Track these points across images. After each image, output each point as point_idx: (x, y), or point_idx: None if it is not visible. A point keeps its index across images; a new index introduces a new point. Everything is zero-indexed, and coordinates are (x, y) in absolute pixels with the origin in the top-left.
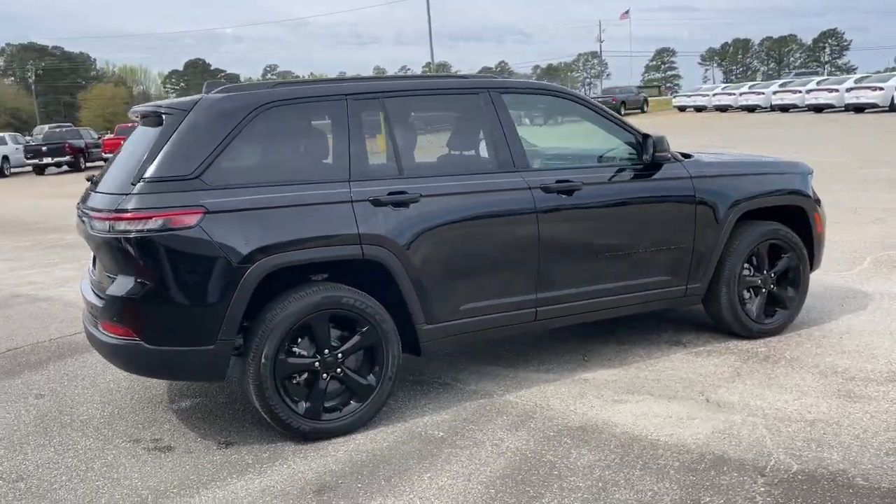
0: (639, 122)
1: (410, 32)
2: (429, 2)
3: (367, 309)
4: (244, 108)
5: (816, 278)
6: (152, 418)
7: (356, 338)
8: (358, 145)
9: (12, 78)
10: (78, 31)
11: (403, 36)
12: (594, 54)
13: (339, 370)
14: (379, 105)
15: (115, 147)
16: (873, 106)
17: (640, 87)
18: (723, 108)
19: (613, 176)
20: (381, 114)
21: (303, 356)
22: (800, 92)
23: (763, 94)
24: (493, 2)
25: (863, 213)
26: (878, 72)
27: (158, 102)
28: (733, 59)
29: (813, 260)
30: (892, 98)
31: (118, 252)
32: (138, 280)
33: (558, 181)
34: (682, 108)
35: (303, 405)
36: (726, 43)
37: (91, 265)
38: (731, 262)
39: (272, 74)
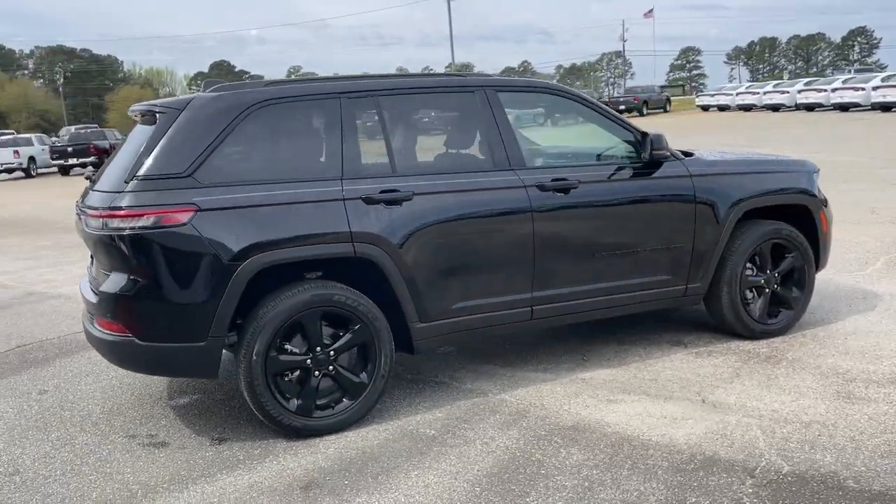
0: (660, 121)
1: (433, 33)
2: (449, 2)
3: (360, 307)
4: (236, 106)
5: (827, 278)
6: (150, 414)
7: (348, 335)
8: (351, 144)
9: (41, 80)
10: (106, 34)
11: (426, 37)
12: (618, 54)
13: (331, 368)
14: (373, 104)
15: None
16: None
17: (663, 86)
18: (747, 108)
19: (611, 174)
20: (376, 112)
21: (294, 353)
22: (825, 90)
23: (788, 92)
24: (516, 2)
25: (881, 213)
26: None
27: (154, 101)
28: (760, 57)
29: (819, 260)
30: None
31: (112, 249)
32: (131, 277)
33: (554, 179)
34: (705, 108)
35: (294, 402)
36: (753, 41)
37: (90, 263)
38: (733, 261)
39: (296, 76)
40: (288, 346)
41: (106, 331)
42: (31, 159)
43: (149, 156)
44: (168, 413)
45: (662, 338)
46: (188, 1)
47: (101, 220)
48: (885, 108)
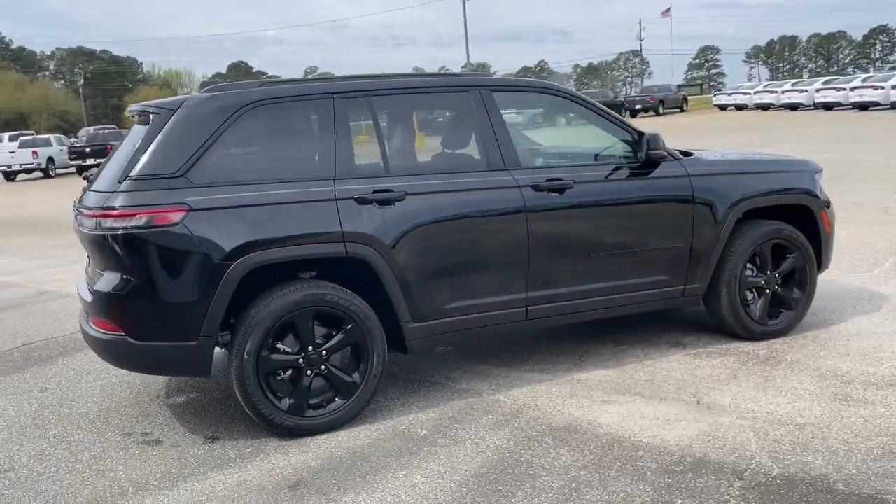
0: (675, 121)
1: (448, 33)
2: (465, 2)
3: (352, 307)
4: (229, 107)
5: (833, 279)
6: (146, 412)
7: (340, 335)
8: (344, 144)
9: (62, 81)
10: (126, 36)
11: (441, 37)
12: (635, 53)
13: (323, 367)
14: (366, 103)
15: None
16: None
17: (681, 85)
18: (764, 107)
19: (607, 174)
20: (369, 112)
21: (286, 353)
22: (844, 89)
23: (806, 91)
24: (532, 1)
25: (894, 213)
26: None
27: (149, 102)
28: (780, 56)
29: (821, 261)
30: None
31: (105, 249)
32: (124, 276)
33: (549, 179)
34: (722, 107)
35: (286, 401)
36: (772, 40)
37: (87, 264)
38: (732, 262)
39: (312, 76)
40: (280, 346)
41: (100, 330)
42: (50, 160)
43: (142, 156)
44: (164, 411)
45: (661, 339)
46: (208, 2)
47: (94, 219)
48: None
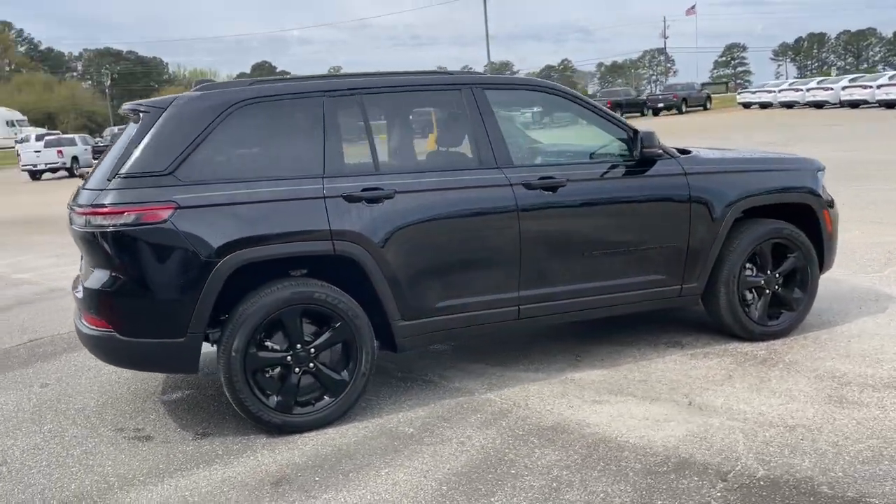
0: (697, 119)
1: (472, 32)
2: (485, 1)
3: (340, 304)
4: (218, 105)
5: (842, 278)
6: (141, 409)
7: (328, 333)
8: (334, 142)
9: (90, 82)
10: (152, 36)
11: (464, 36)
12: (660, 51)
13: (311, 365)
14: (357, 102)
15: None
16: None
17: (706, 83)
18: (789, 105)
19: (602, 172)
20: (360, 111)
21: (274, 350)
22: (870, 87)
23: (832, 89)
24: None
25: None
26: None
27: (141, 101)
28: (808, 53)
29: (823, 261)
30: None
31: (95, 246)
32: (113, 273)
33: (541, 178)
34: (746, 105)
35: (274, 399)
36: (800, 37)
37: (81, 262)
38: (731, 261)
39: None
40: (268, 343)
41: (91, 326)
42: (75, 159)
43: (132, 154)
44: (158, 408)
45: (660, 339)
46: (233, 3)
47: (84, 217)
48: None
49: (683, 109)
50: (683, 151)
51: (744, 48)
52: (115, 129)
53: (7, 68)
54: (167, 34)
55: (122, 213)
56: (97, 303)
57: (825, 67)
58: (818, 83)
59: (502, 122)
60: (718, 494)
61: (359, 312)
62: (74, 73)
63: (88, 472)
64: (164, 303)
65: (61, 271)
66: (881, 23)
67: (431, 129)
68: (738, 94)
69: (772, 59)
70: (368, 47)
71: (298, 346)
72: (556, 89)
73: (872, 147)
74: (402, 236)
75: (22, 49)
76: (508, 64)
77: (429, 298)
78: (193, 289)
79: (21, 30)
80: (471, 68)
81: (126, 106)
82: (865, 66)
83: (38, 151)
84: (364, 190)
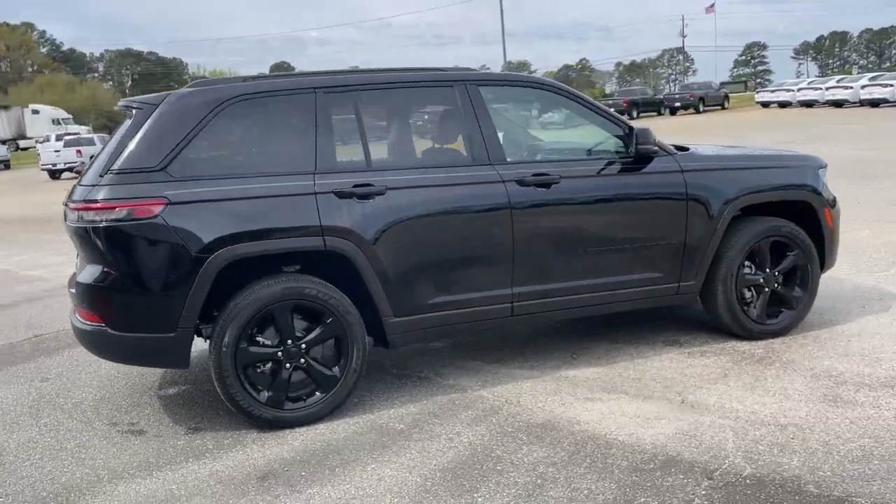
0: (713, 119)
1: (492, 32)
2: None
3: (331, 300)
4: (210, 102)
5: (847, 277)
6: (136, 403)
7: (319, 329)
8: (326, 138)
9: (110, 82)
10: (172, 37)
11: (484, 35)
12: (679, 50)
13: (302, 360)
14: (349, 98)
15: None
16: None
17: (725, 82)
18: (808, 104)
19: (597, 169)
20: (352, 107)
21: (265, 345)
22: (891, 86)
23: (851, 88)
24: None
25: None
26: None
27: (134, 98)
28: (829, 52)
29: (824, 259)
30: None
31: (87, 241)
32: (105, 268)
33: (535, 174)
34: (765, 104)
35: (265, 394)
36: (822, 36)
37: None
38: (728, 259)
39: None
40: (259, 339)
41: (83, 321)
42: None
43: (124, 150)
44: (154, 402)
45: (658, 336)
46: (253, 3)
47: (76, 212)
48: None
49: (701, 109)
50: (682, 148)
51: (764, 47)
52: None
53: (30, 69)
54: (188, 35)
55: (114, 208)
56: (89, 297)
57: (847, 66)
58: (837, 82)
59: (498, 119)
60: (703, 492)
61: (350, 308)
62: (96, 74)
63: (80, 464)
64: (155, 298)
65: (71, 269)
66: None
67: (424, 126)
68: (757, 93)
69: (793, 57)
70: (388, 47)
71: (289, 341)
72: (551, 86)
73: (892, 146)
74: (394, 233)
75: (44, 50)
76: (526, 63)
77: (421, 295)
78: (184, 284)
79: (43, 31)
80: (488, 67)
81: (120, 103)
82: (888, 64)
83: (58, 151)
84: (355, 186)
